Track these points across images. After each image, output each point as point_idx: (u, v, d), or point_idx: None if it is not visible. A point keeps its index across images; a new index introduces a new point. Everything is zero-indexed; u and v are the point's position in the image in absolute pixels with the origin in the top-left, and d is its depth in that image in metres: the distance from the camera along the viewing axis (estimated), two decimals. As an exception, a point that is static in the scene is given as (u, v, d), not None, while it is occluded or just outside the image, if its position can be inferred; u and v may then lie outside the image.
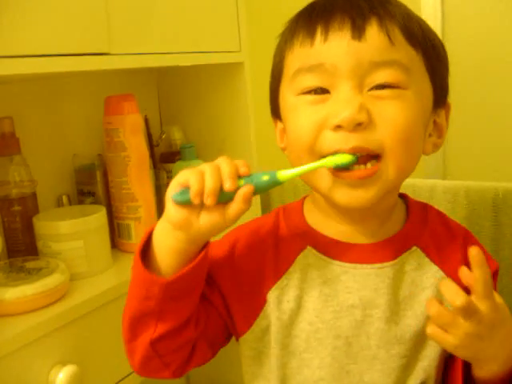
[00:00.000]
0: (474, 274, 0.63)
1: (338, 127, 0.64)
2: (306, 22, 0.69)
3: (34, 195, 1.06)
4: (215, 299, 0.74)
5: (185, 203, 0.62)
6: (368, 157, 0.65)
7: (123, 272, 1.03)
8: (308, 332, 0.70)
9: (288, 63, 0.71)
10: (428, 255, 0.72)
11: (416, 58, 0.67)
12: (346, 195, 0.66)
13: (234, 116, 1.32)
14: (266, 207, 1.34)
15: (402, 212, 0.75)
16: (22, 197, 1.03)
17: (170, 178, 1.30)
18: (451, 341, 0.62)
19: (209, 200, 0.60)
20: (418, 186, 1.09)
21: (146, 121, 1.29)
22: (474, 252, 0.63)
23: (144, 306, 0.66)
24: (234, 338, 0.77)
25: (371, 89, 0.65)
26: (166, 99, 1.46)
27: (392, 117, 0.64)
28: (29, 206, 1.04)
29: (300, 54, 0.69)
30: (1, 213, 1.03)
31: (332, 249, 0.72)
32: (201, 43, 1.18)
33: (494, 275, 0.73)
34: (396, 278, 0.70)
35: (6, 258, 1.02)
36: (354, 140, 0.64)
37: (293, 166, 0.67)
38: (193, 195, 0.61)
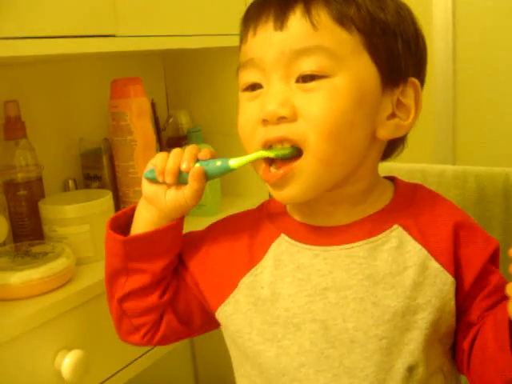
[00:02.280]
0: None
1: (265, 121, 0.66)
2: (244, 20, 0.72)
3: (39, 179, 1.05)
4: (188, 278, 0.78)
5: (152, 180, 0.73)
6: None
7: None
8: (285, 318, 0.70)
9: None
10: (411, 234, 0.70)
11: (348, 40, 0.65)
12: (277, 194, 0.70)
13: (242, 100, 1.31)
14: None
15: (388, 194, 0.74)
16: (28, 181, 1.03)
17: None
18: None
19: (168, 178, 0.71)
20: (427, 171, 1.08)
21: (153, 105, 1.28)
22: None
23: (113, 261, 0.76)
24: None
25: (298, 80, 0.65)
26: (173, 83, 1.45)
27: (315, 110, 0.64)
28: (35, 191, 1.04)
29: (241, 51, 0.72)
30: (7, 197, 1.03)
31: (304, 234, 0.73)
32: (208, 26, 1.16)
33: (494, 254, 0.70)
34: (371, 257, 0.69)
35: (11, 242, 1.02)
36: (278, 131, 0.66)
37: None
38: (156, 174, 0.72)
